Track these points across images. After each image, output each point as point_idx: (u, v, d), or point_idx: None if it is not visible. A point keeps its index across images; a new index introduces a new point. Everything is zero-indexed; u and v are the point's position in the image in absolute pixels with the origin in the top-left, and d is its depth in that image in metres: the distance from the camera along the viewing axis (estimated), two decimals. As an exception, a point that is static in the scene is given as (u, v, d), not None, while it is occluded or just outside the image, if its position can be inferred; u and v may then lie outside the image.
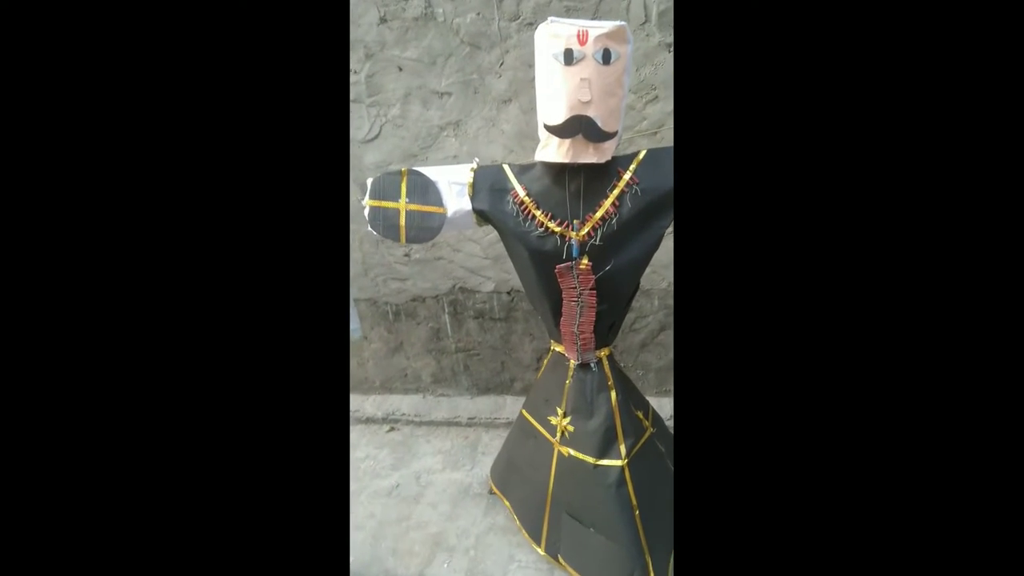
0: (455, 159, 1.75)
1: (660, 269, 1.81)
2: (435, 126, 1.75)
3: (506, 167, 1.26)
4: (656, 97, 1.56)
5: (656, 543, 1.34)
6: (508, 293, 1.98)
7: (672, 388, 2.02)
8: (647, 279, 1.83)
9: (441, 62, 1.65)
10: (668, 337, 1.92)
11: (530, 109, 1.63)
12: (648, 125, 1.60)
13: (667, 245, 1.77)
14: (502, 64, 1.62)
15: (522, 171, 1.25)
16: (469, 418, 2.13)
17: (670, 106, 1.56)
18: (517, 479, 1.59)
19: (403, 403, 2.22)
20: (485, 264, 1.92)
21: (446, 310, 2.06)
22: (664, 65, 1.52)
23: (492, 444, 1.98)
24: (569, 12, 1.50)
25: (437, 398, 2.24)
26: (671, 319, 1.88)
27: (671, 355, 1.95)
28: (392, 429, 2.16)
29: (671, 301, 1.85)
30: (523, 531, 1.56)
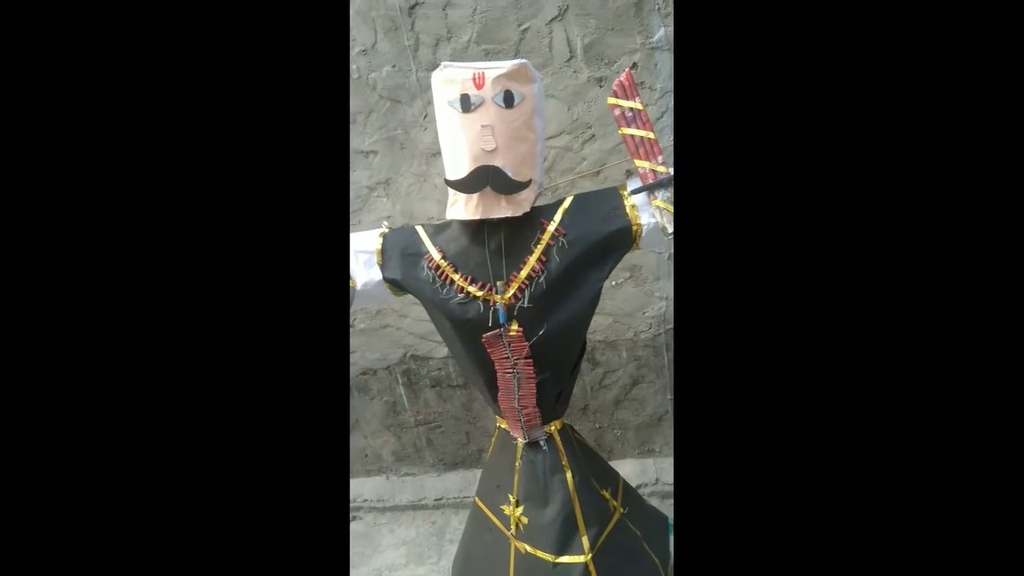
0: (389, 219, 1.63)
1: (623, 319, 1.64)
2: (364, 187, 1.63)
3: (419, 228, 1.12)
4: (592, 136, 1.45)
5: (633, 653, 1.12)
6: (465, 357, 1.82)
7: (656, 448, 1.82)
8: (611, 330, 1.67)
9: (362, 120, 1.54)
10: (642, 391, 1.74)
11: (460, 160, 1.52)
12: (588, 165, 1.48)
13: (628, 293, 1.62)
14: (425, 116, 1.51)
15: (437, 231, 1.11)
16: (436, 499, 1.93)
17: (608, 144, 1.44)
18: (477, 578, 1.38)
19: (365, 487, 2.02)
20: (434, 328, 1.77)
21: (400, 381, 1.89)
22: (597, 102, 1.41)
23: (460, 529, 1.77)
24: (488, 54, 1.40)
25: (402, 478, 2.03)
26: (643, 371, 1.71)
27: (648, 410, 1.76)
28: (354, 519, 1.96)
29: (640, 352, 1.68)
30: (488, 641, 1.33)
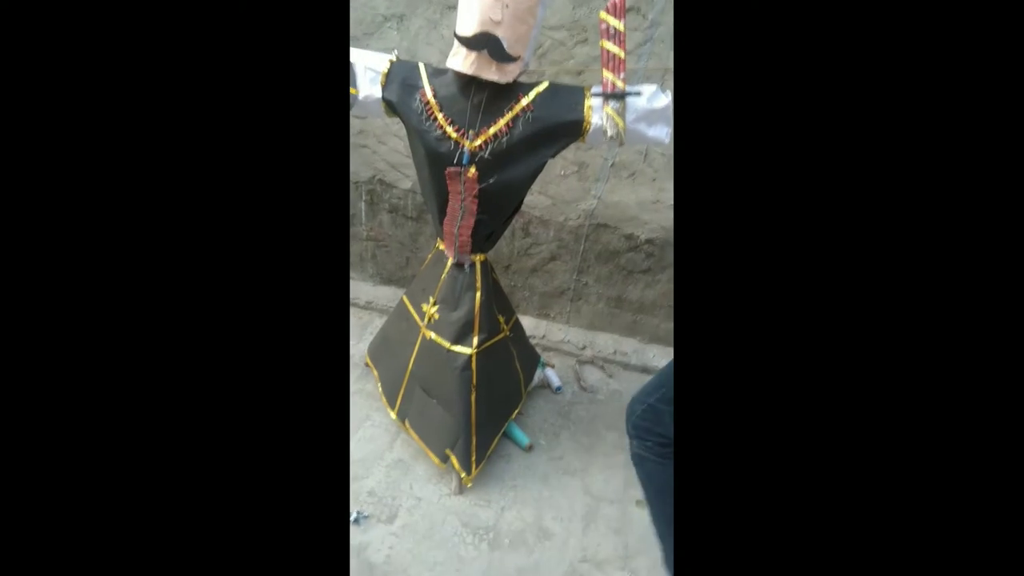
0: (393, 52, 1.81)
1: (561, 204, 1.97)
2: (380, 15, 1.79)
3: (421, 66, 1.36)
4: (586, 40, 1.67)
5: (483, 422, 1.58)
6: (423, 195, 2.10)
7: (552, 314, 2.25)
8: (547, 211, 2.00)
9: (395, -49, 1.67)
10: (556, 266, 2.12)
11: (471, 21, 1.69)
12: (574, 64, 1.71)
13: (571, 184, 1.93)
14: (452, -32, 1.66)
15: (435, 74, 1.35)
16: (367, 302, 2.30)
17: (597, 51, 1.67)
18: (387, 353, 1.79)
19: (309, 277, 2.35)
20: (406, 162, 2.03)
21: (363, 198, 2.17)
22: (597, 9, 1.61)
23: (380, 326, 2.17)
24: (522, -66, 1.55)
25: (342, 279, 2.38)
26: (561, 252, 2.08)
27: (556, 283, 2.16)
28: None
29: (564, 236, 2.04)
30: (383, 397, 1.78)
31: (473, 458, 1.56)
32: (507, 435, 1.75)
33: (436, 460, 1.59)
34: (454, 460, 1.56)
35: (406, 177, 2.07)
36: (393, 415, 1.73)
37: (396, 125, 1.90)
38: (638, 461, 1.25)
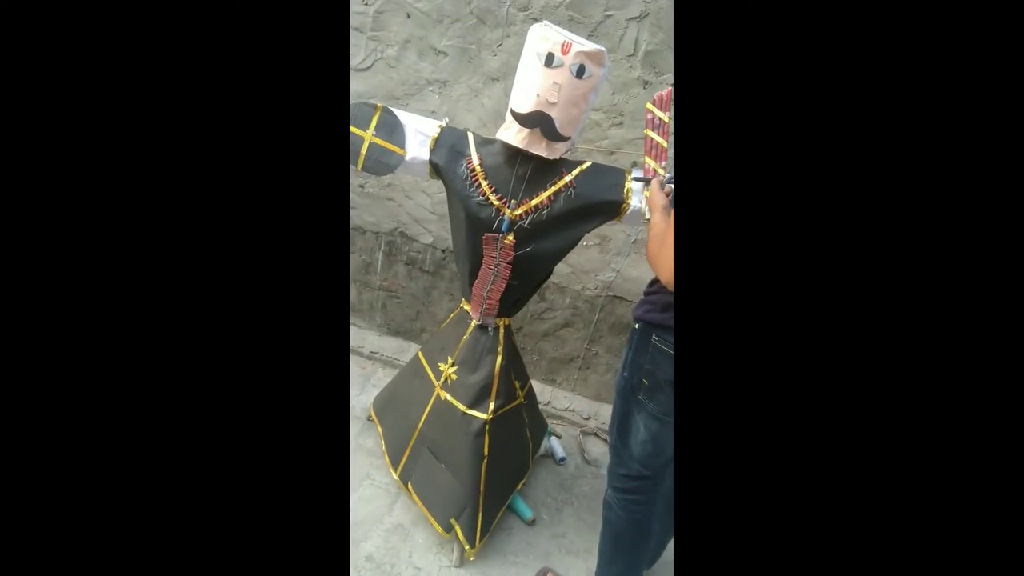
0: (433, 115, 1.87)
1: (580, 274, 2.00)
2: (423, 79, 1.86)
3: (470, 134, 1.41)
4: (621, 123, 1.75)
5: (491, 493, 1.53)
6: (442, 251, 2.12)
7: (558, 381, 2.24)
8: (566, 278, 2.02)
9: (447, 23, 1.76)
10: (568, 333, 2.12)
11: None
12: (608, 145, 1.79)
13: (592, 255, 1.97)
14: (500, 45, 1.75)
15: (483, 143, 1.40)
16: (372, 351, 2.26)
17: (630, 135, 1.75)
18: (395, 410, 1.75)
19: (315, 321, 2.32)
20: (431, 218, 2.06)
21: (382, 248, 2.17)
22: (636, 98, 1.70)
23: (384, 379, 2.11)
24: (571, 20, 1.65)
25: (350, 325, 2.35)
26: (575, 320, 2.09)
27: (566, 349, 2.16)
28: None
29: (580, 304, 2.06)
30: (386, 456, 1.72)
31: (479, 530, 1.50)
32: (510, 507, 1.69)
33: (439, 529, 1.53)
34: (458, 530, 1.50)
35: (428, 232, 2.10)
36: (395, 475, 1.67)
37: (425, 182, 1.94)
38: (605, 506, 1.37)
